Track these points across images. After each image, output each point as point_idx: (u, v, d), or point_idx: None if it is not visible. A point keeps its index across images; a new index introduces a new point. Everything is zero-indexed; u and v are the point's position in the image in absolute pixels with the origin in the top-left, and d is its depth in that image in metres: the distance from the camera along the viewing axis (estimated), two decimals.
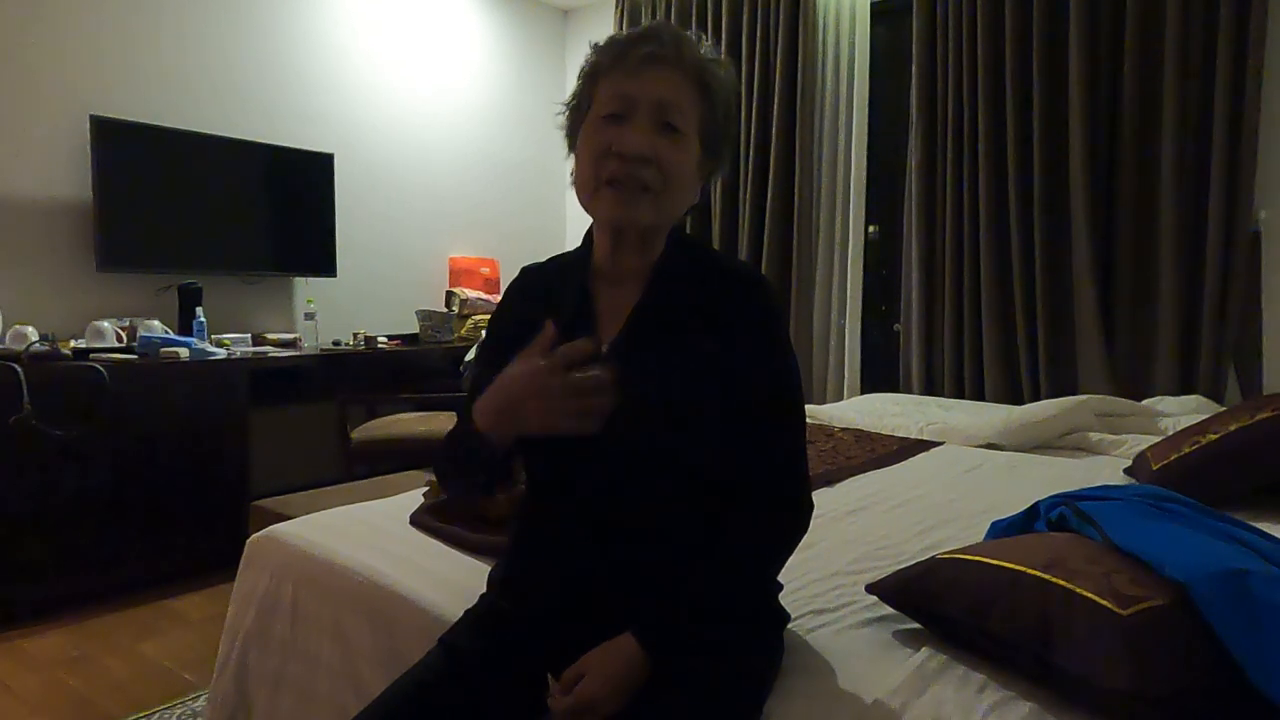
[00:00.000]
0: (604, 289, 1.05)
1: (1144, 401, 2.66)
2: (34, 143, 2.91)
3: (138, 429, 2.67)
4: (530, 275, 1.13)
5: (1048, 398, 2.93)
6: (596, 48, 1.02)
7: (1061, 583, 0.97)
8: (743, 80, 3.93)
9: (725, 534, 0.98)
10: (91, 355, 2.66)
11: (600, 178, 0.96)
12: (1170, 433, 2.25)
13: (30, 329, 2.67)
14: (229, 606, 1.60)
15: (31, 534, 2.46)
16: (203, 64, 3.33)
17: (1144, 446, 2.10)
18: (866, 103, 3.70)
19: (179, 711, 1.96)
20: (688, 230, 4.17)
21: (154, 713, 1.96)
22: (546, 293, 1.08)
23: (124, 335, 2.91)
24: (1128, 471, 2.05)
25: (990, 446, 2.43)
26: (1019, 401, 3.04)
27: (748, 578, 0.99)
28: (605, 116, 0.97)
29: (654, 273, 1.03)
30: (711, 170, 1.05)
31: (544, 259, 1.15)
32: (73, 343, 2.75)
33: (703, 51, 1.00)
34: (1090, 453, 2.42)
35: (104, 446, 2.59)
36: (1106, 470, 2.10)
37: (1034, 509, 1.30)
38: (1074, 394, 2.83)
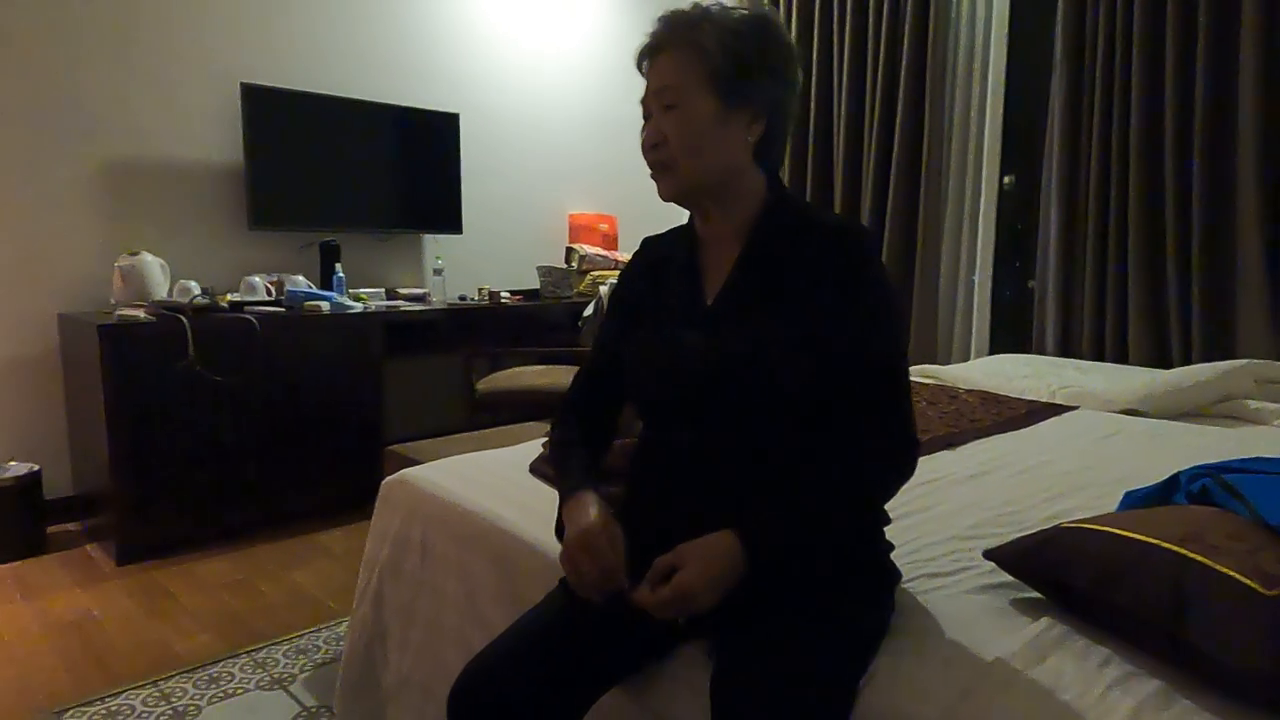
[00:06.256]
0: (708, 250, 1.15)
1: None
2: (191, 111, 3.14)
3: (285, 376, 2.90)
4: (648, 245, 1.26)
5: (1199, 362, 2.71)
6: None
7: (1199, 558, 0.91)
8: (869, 16, 3.76)
9: (827, 461, 1.01)
10: (245, 308, 2.89)
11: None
12: None
13: (193, 283, 2.93)
14: (367, 542, 1.73)
15: (199, 470, 2.73)
16: (335, 29, 3.48)
17: None
18: (1005, 40, 3.47)
19: (324, 635, 2.15)
20: (807, 180, 4.07)
21: (303, 634, 2.15)
22: (660, 259, 1.20)
23: (272, 289, 3.14)
24: None
25: (1130, 413, 2.28)
26: (1166, 365, 2.83)
27: (847, 500, 1.00)
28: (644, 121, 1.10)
29: (752, 230, 1.10)
30: (747, 107, 1.04)
31: (664, 229, 1.26)
32: (229, 296, 3.00)
33: (699, 9, 1.05)
34: (1247, 422, 2.23)
35: (256, 392, 2.83)
36: (1264, 441, 1.93)
37: (1174, 480, 1.22)
38: (1231, 358, 2.61)
